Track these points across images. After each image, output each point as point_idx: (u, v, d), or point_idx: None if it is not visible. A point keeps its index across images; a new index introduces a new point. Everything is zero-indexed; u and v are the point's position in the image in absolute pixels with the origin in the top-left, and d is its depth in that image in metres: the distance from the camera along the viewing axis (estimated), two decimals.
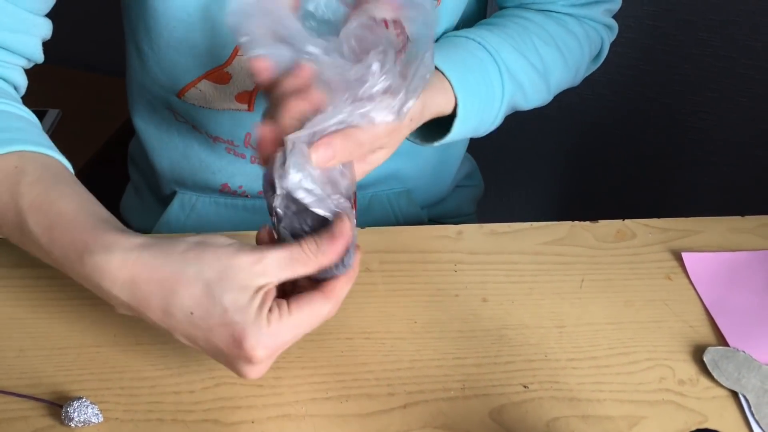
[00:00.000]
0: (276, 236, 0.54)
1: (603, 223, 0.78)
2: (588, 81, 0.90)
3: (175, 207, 0.89)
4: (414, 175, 0.89)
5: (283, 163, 0.50)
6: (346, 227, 0.51)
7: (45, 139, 0.62)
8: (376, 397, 0.60)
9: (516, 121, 0.96)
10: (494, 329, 0.66)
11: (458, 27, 0.80)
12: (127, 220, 0.99)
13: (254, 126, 0.57)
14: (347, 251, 0.52)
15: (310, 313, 0.51)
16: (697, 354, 0.65)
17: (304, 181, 0.51)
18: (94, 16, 1.45)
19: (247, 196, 0.86)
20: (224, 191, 0.86)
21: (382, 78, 0.52)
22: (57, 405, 0.57)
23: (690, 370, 0.64)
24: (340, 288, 0.52)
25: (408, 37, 0.54)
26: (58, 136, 1.34)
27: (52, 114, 1.37)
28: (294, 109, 0.52)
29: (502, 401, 0.60)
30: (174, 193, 0.89)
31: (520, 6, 0.81)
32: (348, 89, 0.52)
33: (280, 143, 0.51)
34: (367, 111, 0.52)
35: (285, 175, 0.50)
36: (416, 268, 0.71)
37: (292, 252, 0.51)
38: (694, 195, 1.48)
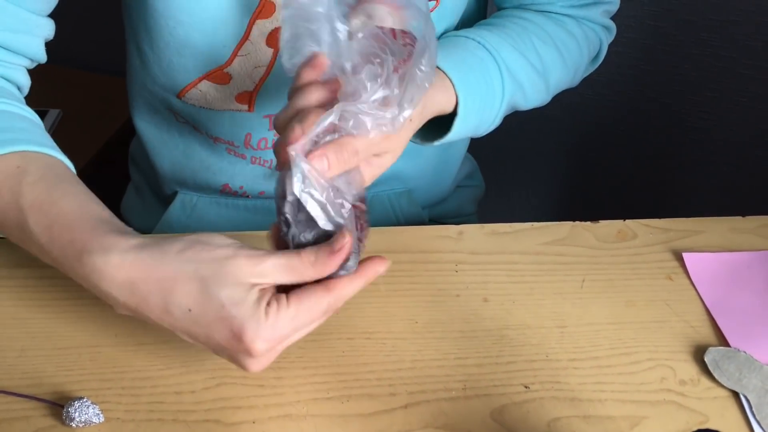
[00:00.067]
0: (283, 240, 0.54)
1: (604, 224, 0.78)
2: (588, 81, 0.91)
3: (176, 207, 0.89)
4: (415, 175, 0.89)
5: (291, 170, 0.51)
6: (347, 243, 0.51)
7: (47, 139, 0.63)
8: (378, 397, 0.60)
9: (516, 121, 0.97)
10: (495, 329, 0.66)
11: (457, 28, 0.80)
12: (128, 221, 0.99)
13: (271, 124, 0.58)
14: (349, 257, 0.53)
15: (310, 305, 0.51)
16: (698, 354, 0.65)
17: (310, 190, 0.51)
18: (94, 16, 1.45)
19: (247, 196, 0.86)
20: (225, 191, 0.86)
21: (378, 89, 0.52)
22: (58, 405, 0.57)
23: (691, 370, 0.64)
24: (343, 285, 0.52)
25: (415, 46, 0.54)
26: (58, 136, 1.33)
27: (53, 114, 1.37)
28: (313, 98, 0.53)
29: (503, 401, 0.60)
30: (175, 193, 0.89)
31: (519, 7, 0.81)
32: (343, 100, 0.53)
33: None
34: (362, 121, 0.52)
35: (293, 183, 0.51)
36: (417, 268, 0.71)
37: (290, 260, 0.51)
38: (694, 195, 1.47)
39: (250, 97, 0.76)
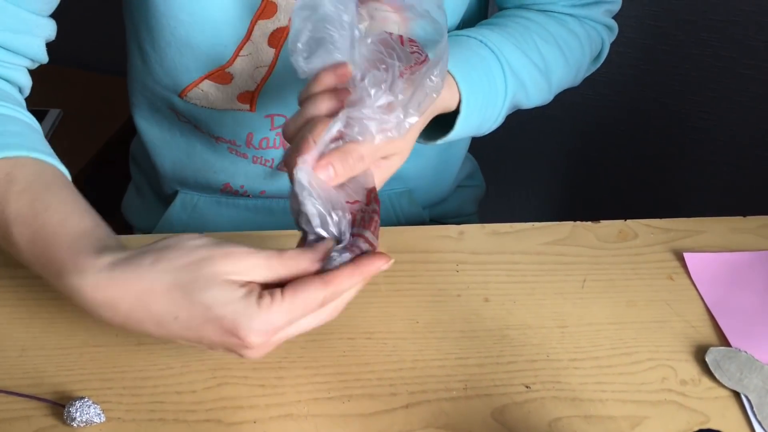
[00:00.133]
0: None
1: (605, 224, 0.78)
2: (589, 81, 0.90)
3: (176, 206, 0.89)
4: (415, 175, 0.89)
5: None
6: (328, 252, 0.51)
7: (43, 144, 0.62)
8: (379, 397, 0.60)
9: (517, 121, 0.97)
10: (496, 329, 0.66)
11: (459, 27, 0.80)
12: (128, 220, 0.99)
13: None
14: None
15: (305, 298, 0.50)
16: (699, 354, 0.65)
17: (312, 201, 0.51)
18: (95, 15, 1.45)
19: (248, 195, 0.86)
20: (226, 191, 0.86)
21: (382, 95, 0.52)
22: (59, 405, 0.57)
23: (692, 370, 0.64)
24: (342, 278, 0.51)
25: (427, 55, 0.54)
26: (59, 136, 1.34)
27: (53, 114, 1.37)
28: (323, 107, 0.54)
29: (504, 401, 0.60)
30: (175, 193, 0.89)
31: (521, 6, 0.81)
32: (349, 107, 0.53)
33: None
34: (366, 127, 0.53)
35: (302, 196, 0.51)
36: (418, 268, 0.71)
37: (270, 260, 0.51)
38: (695, 195, 1.48)
39: (251, 97, 0.76)
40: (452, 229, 0.76)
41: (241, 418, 0.58)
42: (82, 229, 0.55)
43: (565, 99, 0.92)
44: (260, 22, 0.70)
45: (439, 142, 0.71)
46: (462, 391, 0.61)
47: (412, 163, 0.86)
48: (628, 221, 0.78)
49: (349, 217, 0.53)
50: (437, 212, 0.97)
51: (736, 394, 0.62)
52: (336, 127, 0.52)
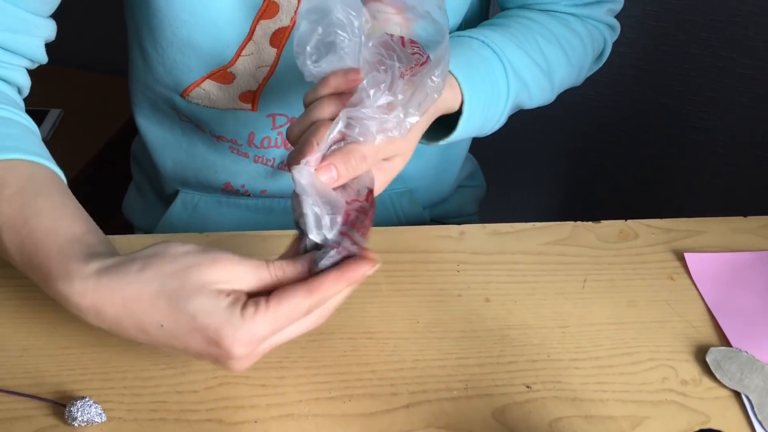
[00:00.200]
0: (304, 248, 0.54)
1: (605, 224, 0.78)
2: (589, 81, 0.91)
3: (177, 206, 0.89)
4: (416, 175, 0.89)
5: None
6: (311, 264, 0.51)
7: (38, 146, 0.62)
8: (379, 396, 0.60)
9: (518, 121, 0.97)
10: (497, 329, 0.66)
11: (461, 28, 0.80)
12: (129, 220, 1.00)
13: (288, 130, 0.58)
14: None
15: (290, 307, 0.50)
16: (700, 354, 0.65)
17: (310, 203, 0.51)
18: (96, 15, 1.45)
19: (249, 195, 0.86)
20: (227, 190, 0.86)
21: (382, 96, 0.52)
22: (60, 404, 0.57)
23: (693, 370, 0.64)
24: (327, 286, 0.50)
25: (428, 55, 0.54)
26: (59, 135, 1.34)
27: (54, 114, 1.37)
28: (327, 111, 0.54)
29: (505, 401, 0.60)
30: (176, 193, 0.89)
31: (523, 6, 0.81)
32: (348, 107, 0.53)
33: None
34: (367, 127, 0.53)
35: (304, 200, 0.51)
36: (419, 268, 0.71)
37: (257, 269, 0.50)
38: (696, 195, 1.48)
39: (253, 97, 0.76)
40: (453, 229, 0.76)
41: (242, 417, 0.58)
42: (72, 235, 0.55)
43: (565, 99, 0.92)
44: (262, 22, 0.70)
45: (442, 143, 0.71)
46: (463, 391, 0.61)
47: (413, 164, 0.86)
48: (629, 221, 0.78)
49: (342, 218, 0.53)
50: (438, 212, 0.97)
51: (737, 394, 0.62)
52: (337, 127, 0.53)
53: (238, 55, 0.73)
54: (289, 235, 0.55)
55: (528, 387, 0.62)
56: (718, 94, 1.34)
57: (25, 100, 0.68)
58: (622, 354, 0.65)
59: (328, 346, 0.63)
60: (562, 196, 1.58)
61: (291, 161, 0.54)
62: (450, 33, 0.76)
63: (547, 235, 0.76)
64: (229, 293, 0.49)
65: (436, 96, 0.55)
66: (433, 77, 0.54)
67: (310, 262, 0.51)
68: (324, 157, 0.52)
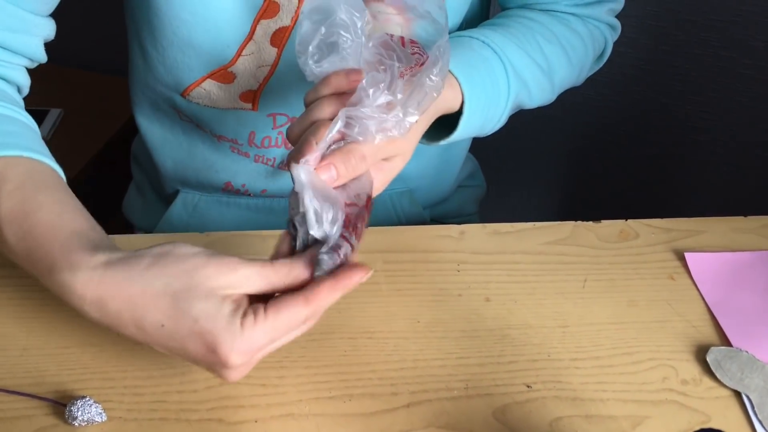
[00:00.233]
0: (294, 247, 0.54)
1: (606, 223, 0.78)
2: (590, 81, 0.91)
3: (177, 206, 0.89)
4: (416, 175, 0.89)
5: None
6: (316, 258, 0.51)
7: (39, 144, 0.62)
8: (380, 396, 0.60)
9: (518, 121, 0.97)
10: (497, 329, 0.66)
11: (461, 28, 0.80)
12: (130, 220, 1.00)
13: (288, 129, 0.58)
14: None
15: (288, 317, 0.50)
16: (700, 354, 0.65)
17: (310, 198, 0.51)
18: (96, 15, 1.45)
19: (249, 194, 0.86)
20: (227, 190, 0.86)
21: (381, 95, 0.52)
22: (60, 404, 0.57)
23: (693, 370, 0.64)
24: (323, 295, 0.51)
25: (428, 55, 0.54)
26: (60, 135, 1.34)
27: (54, 113, 1.37)
28: (327, 111, 0.54)
29: (505, 401, 0.60)
30: (177, 192, 0.89)
31: (524, 6, 0.81)
32: (347, 107, 0.53)
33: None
34: (366, 126, 0.53)
35: (304, 198, 0.51)
36: (419, 268, 0.71)
37: (263, 269, 0.50)
38: (696, 195, 1.48)
39: (254, 96, 0.76)
40: (453, 229, 0.76)
41: (243, 417, 0.58)
42: (76, 228, 0.55)
43: (565, 99, 0.92)
44: (262, 21, 0.70)
45: (442, 143, 0.71)
46: (463, 391, 0.61)
47: (413, 163, 0.86)
48: (629, 221, 0.78)
49: (343, 215, 0.53)
50: (438, 212, 0.97)
51: (737, 394, 0.62)
52: (336, 127, 0.53)
53: (238, 54, 0.73)
54: None
55: (528, 387, 0.62)
56: (719, 94, 1.34)
57: (25, 99, 0.68)
58: (622, 354, 0.65)
59: (328, 346, 0.63)
60: (562, 195, 1.58)
61: (290, 161, 0.54)
62: (450, 33, 0.77)
63: (547, 235, 0.76)
64: (233, 299, 0.49)
65: (435, 95, 0.55)
66: (431, 76, 0.53)
67: (312, 260, 0.51)
68: (323, 157, 0.52)
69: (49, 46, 0.69)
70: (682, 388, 0.62)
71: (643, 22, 1.29)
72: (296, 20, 0.70)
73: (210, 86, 0.75)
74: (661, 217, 0.79)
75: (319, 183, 0.52)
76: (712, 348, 0.65)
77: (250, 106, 0.77)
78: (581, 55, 0.80)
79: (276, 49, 0.72)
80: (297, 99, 0.58)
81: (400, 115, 0.53)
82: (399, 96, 0.53)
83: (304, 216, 0.52)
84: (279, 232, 0.72)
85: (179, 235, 0.78)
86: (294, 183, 0.52)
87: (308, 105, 0.56)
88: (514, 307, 0.68)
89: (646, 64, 1.34)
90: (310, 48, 0.54)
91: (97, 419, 0.56)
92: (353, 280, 0.51)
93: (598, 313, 0.68)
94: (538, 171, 1.55)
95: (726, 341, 0.66)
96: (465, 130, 0.69)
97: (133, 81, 0.84)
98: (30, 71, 0.69)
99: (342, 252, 0.52)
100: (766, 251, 0.75)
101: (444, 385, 0.61)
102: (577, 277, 0.72)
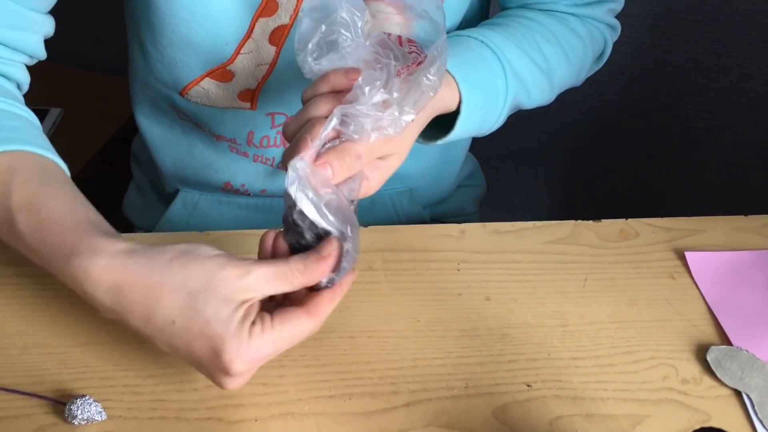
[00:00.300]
0: (288, 246, 0.54)
1: (606, 223, 0.78)
2: (590, 80, 0.90)
3: (177, 205, 0.89)
4: (416, 174, 0.88)
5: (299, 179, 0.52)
6: (334, 249, 0.52)
7: (43, 140, 0.62)
8: (380, 395, 0.60)
9: (518, 121, 0.97)
10: (497, 328, 0.66)
11: (461, 27, 0.80)
12: (129, 219, 1.00)
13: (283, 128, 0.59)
14: (339, 266, 0.53)
15: (292, 329, 0.51)
16: (701, 353, 0.65)
17: (314, 199, 0.52)
18: (96, 14, 1.45)
19: (249, 194, 0.86)
20: (227, 189, 0.86)
21: (377, 93, 0.52)
22: (60, 403, 0.57)
23: (693, 369, 0.64)
24: (325, 306, 0.52)
25: (425, 54, 0.54)
26: (60, 134, 1.34)
27: (54, 113, 1.37)
28: (324, 109, 0.54)
29: (505, 400, 0.60)
30: (177, 192, 0.89)
31: (523, 6, 0.81)
32: (343, 104, 0.53)
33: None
34: (362, 124, 0.53)
35: (300, 194, 0.51)
36: (419, 267, 0.71)
37: (278, 269, 0.51)
38: (696, 194, 1.48)
39: (252, 95, 0.76)
40: (453, 228, 0.76)
41: (242, 416, 0.58)
42: (91, 218, 0.55)
43: (566, 99, 0.92)
44: (261, 19, 0.70)
45: (439, 142, 0.70)
46: (463, 390, 0.61)
47: (414, 163, 0.86)
48: (630, 220, 0.78)
49: (345, 210, 0.53)
50: (438, 212, 0.97)
51: (738, 393, 0.62)
52: (332, 124, 0.53)
53: (237, 53, 0.72)
54: None
55: (528, 386, 0.61)
56: (719, 94, 1.34)
57: (25, 98, 0.69)
58: (622, 353, 0.65)
59: (328, 345, 0.63)
60: (562, 195, 1.58)
61: (286, 158, 0.54)
62: (450, 32, 0.77)
63: (547, 234, 0.76)
64: (247, 306, 0.50)
65: (432, 94, 0.55)
66: (428, 75, 0.53)
67: (329, 250, 0.52)
68: (319, 156, 0.52)
69: (49, 46, 0.69)
70: (682, 387, 0.62)
71: (643, 22, 1.29)
72: (295, 19, 0.70)
73: (208, 85, 0.75)
74: (662, 216, 0.79)
75: (316, 179, 0.52)
76: (713, 347, 0.65)
77: (248, 105, 0.77)
78: (580, 56, 0.80)
79: (275, 48, 0.72)
80: (296, 98, 0.58)
81: (396, 113, 0.53)
82: (395, 94, 0.53)
83: (302, 213, 0.52)
84: (279, 232, 0.73)
85: (179, 235, 0.78)
86: (289, 180, 0.51)
87: (305, 102, 0.56)
88: (514, 306, 0.68)
89: (646, 63, 1.34)
90: (310, 45, 0.54)
91: (96, 418, 0.56)
92: (348, 282, 0.53)
93: (599, 312, 0.68)
94: (538, 171, 1.55)
95: (726, 340, 0.66)
96: (462, 130, 0.69)
97: (133, 80, 0.84)
98: (30, 71, 0.70)
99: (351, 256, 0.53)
100: (766, 250, 0.75)
101: (444, 384, 0.61)
102: (577, 276, 0.72)
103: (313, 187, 0.51)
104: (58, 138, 1.32)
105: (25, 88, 0.69)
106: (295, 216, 0.52)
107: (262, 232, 0.73)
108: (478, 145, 0.99)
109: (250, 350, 0.49)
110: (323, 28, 0.54)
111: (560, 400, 0.60)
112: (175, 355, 0.52)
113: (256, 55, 0.73)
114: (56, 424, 0.57)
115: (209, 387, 0.60)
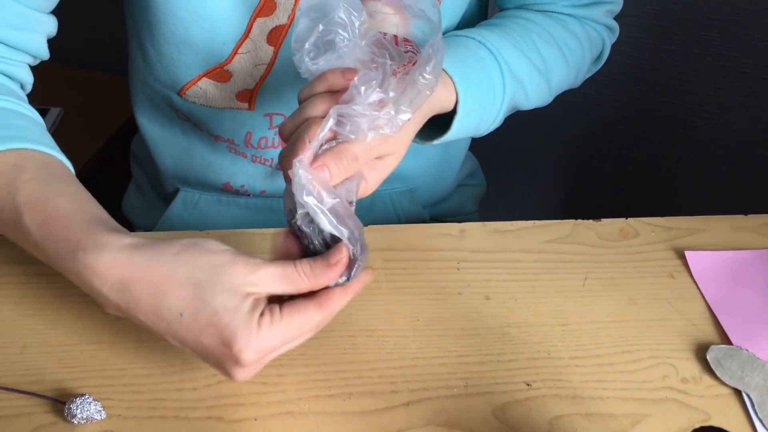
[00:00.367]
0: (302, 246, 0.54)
1: (606, 222, 0.78)
2: (590, 80, 0.90)
3: (177, 205, 0.89)
4: (416, 174, 0.88)
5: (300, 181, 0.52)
6: (343, 256, 0.52)
7: (47, 138, 0.63)
8: (380, 394, 0.60)
9: (518, 120, 0.97)
10: (497, 327, 0.66)
11: (459, 28, 0.80)
12: (129, 218, 1.00)
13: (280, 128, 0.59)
14: (350, 269, 0.53)
15: (301, 321, 0.51)
16: (701, 352, 0.65)
17: (316, 201, 0.52)
18: (96, 14, 1.45)
19: (249, 194, 0.86)
20: (226, 189, 0.86)
21: (373, 93, 0.52)
22: (60, 402, 0.57)
23: (693, 368, 0.64)
24: (336, 300, 0.52)
25: (420, 53, 0.54)
26: (60, 134, 1.34)
27: (54, 112, 1.37)
28: (320, 109, 0.54)
29: (505, 399, 0.60)
30: (176, 191, 0.89)
31: (521, 7, 0.81)
32: (339, 104, 0.53)
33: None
34: (358, 124, 0.53)
35: (301, 195, 0.51)
36: (419, 266, 0.71)
37: (285, 270, 0.51)
38: (696, 193, 1.47)
39: (250, 96, 0.76)
40: (453, 227, 0.76)
41: (242, 415, 0.58)
42: (97, 214, 0.55)
43: (566, 98, 0.92)
44: (259, 19, 0.70)
45: (436, 142, 0.70)
46: (463, 389, 0.61)
47: (413, 163, 0.86)
48: (629, 219, 0.78)
49: (348, 212, 0.53)
50: (438, 211, 0.97)
51: (737, 392, 0.62)
52: (329, 124, 0.52)
53: (234, 52, 0.72)
54: None
55: (528, 385, 0.61)
56: (719, 94, 1.34)
57: (26, 96, 0.69)
58: (622, 352, 0.65)
59: (328, 344, 0.63)
60: (562, 194, 1.58)
61: (283, 159, 0.54)
62: (447, 32, 0.77)
63: (547, 234, 0.76)
64: (254, 298, 0.50)
65: (428, 93, 0.55)
66: (424, 74, 0.53)
67: (338, 255, 0.52)
68: (316, 158, 0.52)
69: (49, 45, 0.70)
70: (682, 386, 0.62)
71: (643, 22, 1.29)
72: (293, 19, 0.70)
73: (206, 85, 0.75)
74: (661, 215, 0.79)
75: (318, 181, 0.52)
76: (713, 346, 0.65)
77: (246, 105, 0.77)
78: (578, 56, 0.80)
79: (272, 48, 0.72)
80: (294, 99, 0.58)
81: (392, 112, 0.53)
82: (391, 94, 0.53)
83: (306, 218, 0.52)
84: (280, 231, 0.73)
85: (179, 234, 0.78)
86: (293, 183, 0.51)
87: (302, 102, 0.56)
88: (514, 305, 0.68)
89: (646, 63, 1.34)
90: (306, 45, 0.54)
91: (96, 417, 0.56)
92: (362, 282, 0.53)
93: (598, 311, 0.68)
94: (538, 170, 1.55)
95: (726, 339, 0.66)
96: (459, 130, 0.69)
97: (133, 80, 0.84)
98: (31, 68, 0.70)
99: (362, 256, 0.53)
100: (766, 250, 0.75)
101: (444, 383, 0.61)
102: (577, 275, 0.72)
103: (317, 193, 0.51)
104: (58, 137, 1.31)
105: (29, 88, 0.69)
106: (299, 222, 0.52)
107: (262, 232, 0.74)
108: (477, 144, 0.99)
109: (259, 340, 0.49)
110: (320, 27, 0.54)
111: (560, 399, 0.60)
112: (183, 349, 0.52)
113: (253, 55, 0.73)
114: (56, 423, 0.57)
115: (209, 386, 0.60)
